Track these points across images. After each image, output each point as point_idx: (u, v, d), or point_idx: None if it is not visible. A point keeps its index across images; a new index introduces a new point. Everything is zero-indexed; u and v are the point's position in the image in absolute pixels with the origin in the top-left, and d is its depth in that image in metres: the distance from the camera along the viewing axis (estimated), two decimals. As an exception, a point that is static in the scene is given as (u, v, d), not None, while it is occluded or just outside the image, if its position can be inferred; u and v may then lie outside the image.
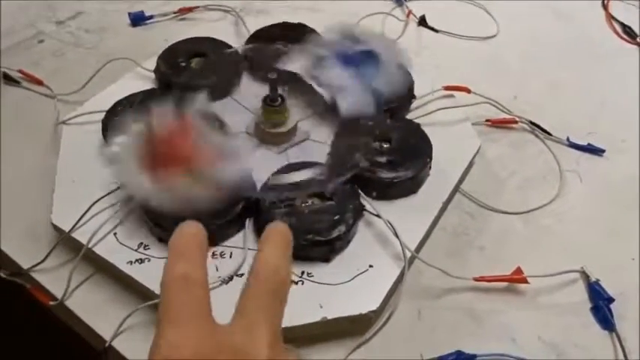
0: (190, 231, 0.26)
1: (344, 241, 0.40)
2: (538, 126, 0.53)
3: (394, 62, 0.46)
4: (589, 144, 0.52)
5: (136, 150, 0.38)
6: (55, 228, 0.41)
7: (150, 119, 0.38)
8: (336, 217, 0.40)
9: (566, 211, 0.47)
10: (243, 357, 0.23)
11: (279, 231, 0.27)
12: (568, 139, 0.53)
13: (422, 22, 0.66)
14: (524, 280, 0.41)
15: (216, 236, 0.40)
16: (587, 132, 0.54)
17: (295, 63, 0.48)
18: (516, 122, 0.54)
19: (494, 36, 0.65)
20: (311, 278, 0.39)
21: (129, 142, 0.38)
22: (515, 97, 0.57)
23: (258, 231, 0.41)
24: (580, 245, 0.45)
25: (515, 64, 0.62)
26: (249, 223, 0.41)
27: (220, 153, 0.38)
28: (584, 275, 0.42)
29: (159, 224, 0.39)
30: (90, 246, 0.40)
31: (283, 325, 0.36)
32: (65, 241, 0.41)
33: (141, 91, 0.49)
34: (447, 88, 0.52)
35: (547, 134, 0.53)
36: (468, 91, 0.53)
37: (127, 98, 0.48)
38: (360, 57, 0.46)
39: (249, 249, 0.40)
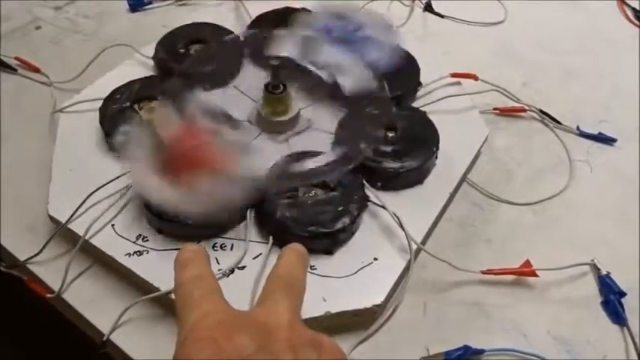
0: (192, 247, 0.29)
1: (348, 233, 0.39)
2: (547, 114, 0.52)
3: (383, 35, 0.45)
4: (600, 133, 0.51)
5: (151, 160, 0.37)
6: (52, 219, 0.40)
7: (156, 127, 0.37)
8: (340, 209, 0.39)
9: (576, 202, 0.46)
10: (264, 329, 0.24)
11: (295, 246, 0.31)
12: (578, 128, 0.51)
13: (427, 7, 0.64)
14: (533, 274, 0.39)
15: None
16: (598, 120, 0.52)
17: (287, 48, 0.46)
18: (525, 111, 0.52)
19: (502, 21, 0.64)
20: (314, 271, 0.37)
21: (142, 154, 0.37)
22: (524, 84, 0.56)
23: (260, 222, 0.40)
24: (590, 237, 0.44)
25: (524, 50, 0.60)
26: (250, 214, 0.40)
27: (237, 148, 0.37)
28: (595, 268, 0.41)
29: (158, 215, 0.38)
30: (87, 238, 0.39)
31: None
32: (62, 233, 0.40)
33: (139, 79, 0.48)
34: (454, 75, 0.51)
35: (557, 123, 0.52)
36: (476, 78, 0.51)
37: (125, 86, 0.47)
38: (349, 33, 0.44)
39: (250, 241, 0.39)
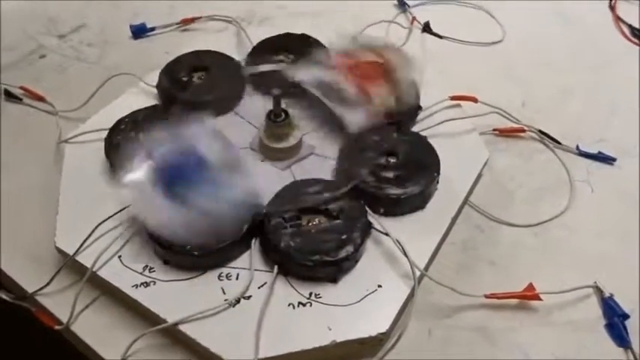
0: None
1: (352, 260, 0.39)
2: (547, 135, 0.52)
3: (405, 73, 0.46)
4: (599, 152, 0.51)
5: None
6: (59, 251, 0.41)
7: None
8: (344, 237, 0.39)
9: (578, 223, 0.46)
10: None
11: None
12: (578, 148, 0.52)
13: (426, 28, 0.65)
14: (537, 297, 0.40)
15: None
16: (597, 139, 0.53)
17: (302, 74, 0.47)
18: (525, 131, 0.53)
19: (500, 41, 0.64)
20: (319, 299, 0.38)
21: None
22: (523, 104, 0.56)
23: (265, 251, 0.40)
24: (593, 257, 0.44)
25: (523, 69, 0.61)
26: (254, 244, 0.40)
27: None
28: (598, 290, 0.41)
29: (164, 246, 0.39)
30: (94, 269, 0.39)
31: (290, 350, 0.36)
32: (69, 264, 0.40)
33: (143, 108, 0.48)
34: (454, 98, 0.51)
35: (556, 143, 0.52)
36: (475, 100, 0.52)
37: (129, 116, 0.47)
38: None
39: (255, 270, 0.39)
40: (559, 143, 0.52)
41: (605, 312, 0.40)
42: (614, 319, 0.40)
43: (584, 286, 0.41)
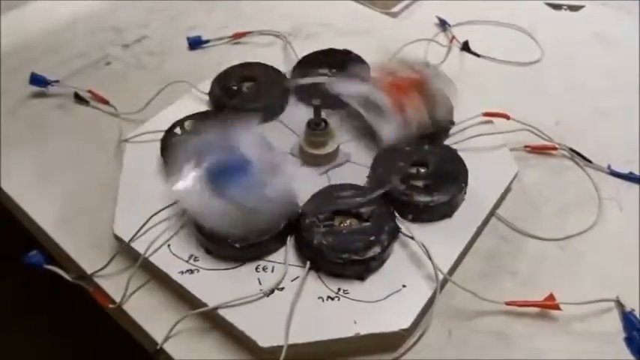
0: None
1: (379, 261, 0.42)
2: (578, 153, 0.54)
3: (440, 90, 0.50)
4: (630, 172, 0.52)
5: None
6: (116, 238, 0.46)
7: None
8: (372, 238, 0.42)
9: (604, 240, 0.48)
10: None
11: None
12: (609, 167, 0.53)
13: (465, 47, 0.67)
14: (556, 307, 0.41)
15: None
16: (629, 160, 0.54)
17: (342, 87, 0.51)
18: (556, 149, 0.54)
19: (538, 61, 0.66)
20: (346, 295, 0.41)
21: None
22: (556, 122, 0.58)
23: (299, 248, 0.43)
24: (616, 274, 0.45)
25: (558, 89, 0.62)
26: (290, 240, 0.44)
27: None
28: (619, 305, 0.42)
29: (207, 238, 0.43)
30: (146, 255, 0.44)
31: (318, 339, 0.39)
32: (125, 250, 0.45)
33: (196, 113, 0.53)
34: (486, 114, 0.54)
35: (587, 161, 0.53)
36: (507, 117, 0.54)
37: (183, 119, 0.52)
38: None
39: (289, 264, 0.43)
40: (590, 162, 0.53)
41: (625, 326, 0.42)
42: (634, 332, 0.41)
43: (605, 299, 0.42)
